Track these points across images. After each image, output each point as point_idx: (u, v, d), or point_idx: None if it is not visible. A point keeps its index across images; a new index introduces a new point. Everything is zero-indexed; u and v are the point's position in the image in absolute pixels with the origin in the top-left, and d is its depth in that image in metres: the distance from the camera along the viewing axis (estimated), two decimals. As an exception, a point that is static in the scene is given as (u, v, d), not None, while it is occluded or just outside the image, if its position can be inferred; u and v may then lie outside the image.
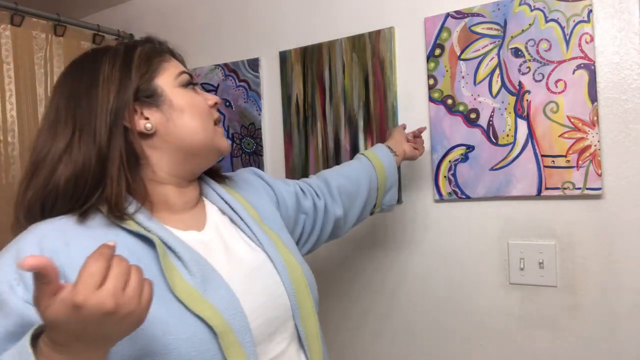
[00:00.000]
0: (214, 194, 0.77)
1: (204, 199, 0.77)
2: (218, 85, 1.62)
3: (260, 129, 1.55)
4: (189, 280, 0.60)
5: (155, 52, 0.71)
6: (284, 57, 1.49)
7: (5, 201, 1.39)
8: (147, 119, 0.66)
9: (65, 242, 0.58)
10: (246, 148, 1.58)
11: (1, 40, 1.40)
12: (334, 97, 1.41)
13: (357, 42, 1.37)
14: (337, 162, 1.40)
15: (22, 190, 0.64)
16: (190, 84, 0.72)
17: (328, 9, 1.43)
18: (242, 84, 1.58)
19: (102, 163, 0.62)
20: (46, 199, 0.63)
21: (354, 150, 1.38)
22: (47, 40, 1.51)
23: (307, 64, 1.45)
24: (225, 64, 1.61)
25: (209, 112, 0.73)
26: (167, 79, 0.69)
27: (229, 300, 0.61)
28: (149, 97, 0.66)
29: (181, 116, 0.68)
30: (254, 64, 1.55)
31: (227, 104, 1.61)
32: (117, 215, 0.62)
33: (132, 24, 1.83)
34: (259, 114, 1.55)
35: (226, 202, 0.77)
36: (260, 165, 1.55)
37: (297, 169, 1.48)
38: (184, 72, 0.72)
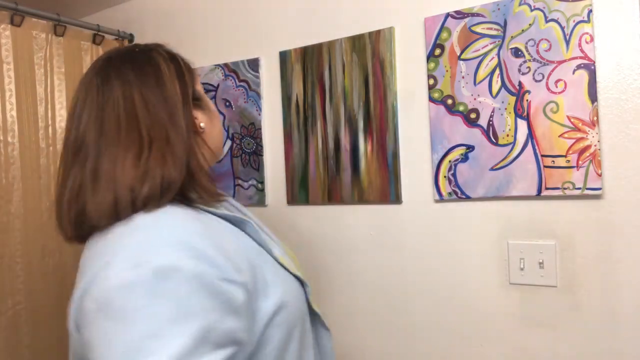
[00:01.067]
0: None
1: None
2: (218, 85, 1.62)
3: (260, 129, 1.55)
4: (277, 251, 0.72)
5: (184, 59, 0.77)
6: (284, 57, 1.49)
7: (6, 201, 1.39)
8: (196, 118, 0.71)
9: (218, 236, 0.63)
10: (246, 148, 1.58)
11: (1, 40, 1.40)
12: (334, 97, 1.41)
13: (357, 42, 1.37)
14: (337, 162, 1.41)
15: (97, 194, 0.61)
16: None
17: (328, 9, 1.43)
18: (242, 84, 1.58)
19: (188, 159, 0.65)
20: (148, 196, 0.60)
21: (354, 150, 1.38)
22: (47, 40, 1.51)
23: (307, 64, 1.45)
24: (225, 64, 1.61)
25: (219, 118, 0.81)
26: (199, 86, 0.76)
27: (296, 265, 0.77)
28: (198, 100, 0.73)
29: (215, 120, 0.76)
30: (254, 64, 1.55)
31: (227, 104, 1.61)
32: (218, 200, 0.69)
33: (132, 24, 1.83)
34: (259, 114, 1.55)
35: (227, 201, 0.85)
36: (260, 165, 1.55)
37: (297, 169, 1.48)
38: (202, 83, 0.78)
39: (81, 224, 0.61)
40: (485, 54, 1.20)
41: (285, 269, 0.71)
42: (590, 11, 1.08)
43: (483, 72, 1.20)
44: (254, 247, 0.69)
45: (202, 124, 0.71)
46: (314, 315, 0.78)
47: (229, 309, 0.56)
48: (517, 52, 1.16)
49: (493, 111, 1.20)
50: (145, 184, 0.59)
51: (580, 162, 1.10)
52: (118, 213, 0.59)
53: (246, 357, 0.60)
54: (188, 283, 0.53)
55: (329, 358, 0.81)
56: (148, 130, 0.62)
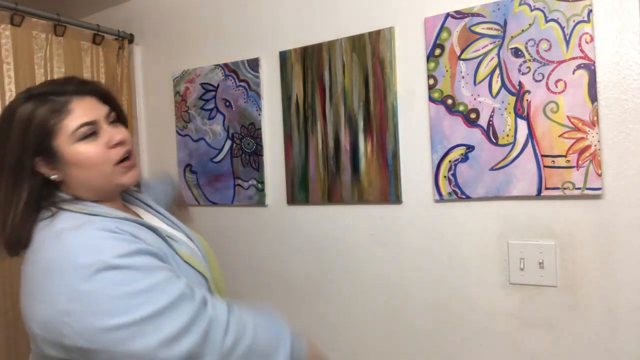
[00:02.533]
0: (137, 201, 0.98)
1: (127, 204, 0.95)
2: (218, 85, 1.62)
3: (260, 129, 1.55)
4: (183, 249, 0.85)
5: (59, 109, 0.78)
6: (284, 57, 1.49)
7: (5, 201, 1.39)
8: (53, 169, 0.79)
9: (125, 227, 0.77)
10: (246, 148, 1.58)
11: (1, 40, 1.40)
12: (334, 97, 1.41)
13: (357, 42, 1.37)
14: (337, 162, 1.41)
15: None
16: (88, 135, 0.80)
17: (328, 9, 1.43)
18: (242, 84, 1.58)
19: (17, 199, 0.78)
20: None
21: (354, 150, 1.38)
22: (47, 40, 1.51)
23: (307, 64, 1.45)
24: (225, 64, 1.61)
25: (105, 158, 0.81)
26: (63, 138, 0.78)
27: (202, 261, 0.91)
28: (50, 157, 0.78)
29: (78, 170, 0.79)
30: (254, 64, 1.55)
31: (227, 104, 1.61)
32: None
33: (132, 24, 1.83)
34: (259, 114, 1.55)
35: (151, 207, 0.98)
36: (260, 165, 1.55)
37: (297, 168, 1.48)
38: (82, 125, 0.79)
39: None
40: (485, 54, 1.20)
41: (189, 265, 0.84)
42: (590, 11, 1.08)
43: (483, 72, 1.20)
44: (163, 244, 0.81)
45: (54, 176, 0.79)
46: None
47: (160, 261, 0.74)
48: (517, 52, 1.16)
49: (493, 111, 1.20)
50: None
51: (580, 162, 1.10)
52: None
53: None
54: (136, 255, 0.71)
55: None
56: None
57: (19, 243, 0.75)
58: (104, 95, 0.84)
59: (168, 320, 0.66)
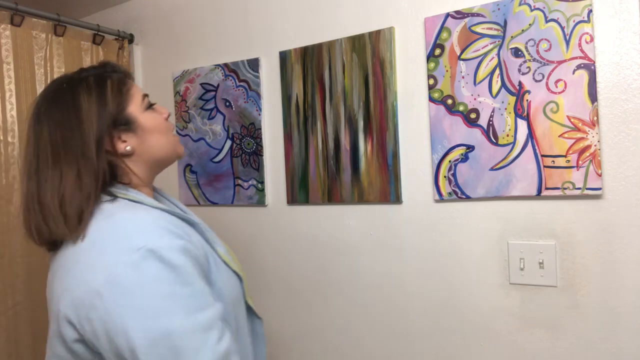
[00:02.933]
0: (163, 199, 0.98)
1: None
2: (218, 85, 1.62)
3: (260, 129, 1.55)
4: (220, 249, 0.85)
5: (121, 82, 0.82)
6: (284, 57, 1.49)
7: (6, 201, 1.39)
8: (125, 142, 0.80)
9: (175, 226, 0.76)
10: (246, 148, 1.58)
11: (1, 40, 1.40)
12: (334, 97, 1.41)
13: (357, 42, 1.37)
14: (337, 162, 1.41)
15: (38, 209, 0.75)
16: (150, 105, 0.85)
17: (328, 9, 1.43)
18: (242, 84, 1.58)
19: (95, 180, 0.75)
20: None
21: (354, 150, 1.38)
22: (47, 40, 1.51)
23: (307, 64, 1.45)
24: (225, 64, 1.61)
25: (168, 126, 0.88)
26: (135, 106, 0.82)
27: (236, 264, 0.89)
28: (125, 125, 0.80)
29: (151, 137, 0.83)
30: (254, 64, 1.55)
31: (227, 104, 1.61)
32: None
33: (132, 24, 1.83)
34: (259, 114, 1.55)
35: (177, 206, 0.98)
36: (260, 165, 1.55)
37: (297, 168, 1.48)
38: (145, 95, 0.85)
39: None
40: (485, 54, 1.20)
41: (227, 265, 0.84)
42: (590, 11, 1.08)
43: (483, 72, 1.20)
44: (203, 243, 0.81)
45: (127, 148, 0.80)
46: (249, 307, 0.91)
47: (203, 274, 0.73)
48: (517, 52, 1.16)
49: (493, 111, 1.20)
50: (63, 207, 0.73)
51: (580, 162, 1.10)
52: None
53: None
54: (184, 255, 0.69)
55: (261, 342, 0.94)
56: (60, 168, 0.75)
57: (76, 228, 0.72)
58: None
59: (197, 341, 0.64)
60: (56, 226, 0.72)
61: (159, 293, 0.64)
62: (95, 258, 0.67)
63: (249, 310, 0.91)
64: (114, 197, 0.76)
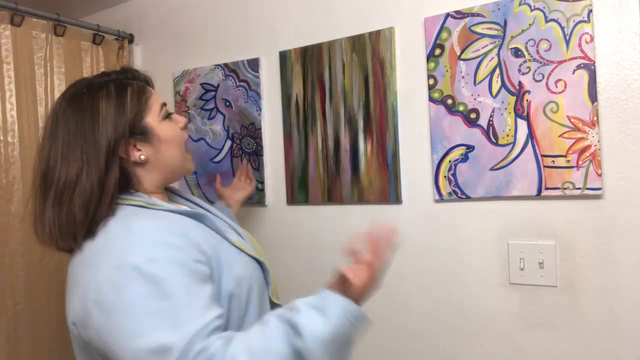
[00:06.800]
0: (177, 197, 0.98)
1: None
2: (218, 85, 1.62)
3: (260, 129, 1.55)
4: (233, 236, 0.86)
5: (142, 90, 0.83)
6: (284, 57, 1.49)
7: (6, 201, 1.39)
8: (139, 150, 0.81)
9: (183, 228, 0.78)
10: (246, 148, 1.58)
11: (1, 40, 1.40)
12: (334, 97, 1.41)
13: (357, 42, 1.37)
14: (337, 162, 1.41)
15: (41, 209, 0.76)
16: (167, 115, 0.87)
17: (328, 9, 1.43)
18: (242, 84, 1.58)
19: (102, 186, 0.76)
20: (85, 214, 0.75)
21: (354, 150, 1.38)
22: (47, 40, 1.51)
23: (307, 64, 1.45)
24: (225, 64, 1.61)
25: (183, 137, 0.89)
26: (153, 116, 0.83)
27: (257, 250, 0.91)
28: (142, 134, 0.81)
29: (167, 147, 0.84)
30: (254, 64, 1.55)
31: (227, 104, 1.61)
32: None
33: (132, 24, 1.83)
34: (259, 114, 1.55)
35: (191, 201, 0.99)
36: (260, 165, 1.55)
37: (297, 169, 1.48)
38: (163, 104, 0.86)
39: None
40: (485, 54, 1.20)
41: (242, 251, 0.85)
42: (590, 11, 1.08)
43: (483, 72, 1.20)
44: (212, 235, 0.82)
45: (142, 157, 0.81)
46: (274, 305, 0.91)
47: (204, 280, 0.72)
48: (517, 52, 1.16)
49: (493, 111, 1.20)
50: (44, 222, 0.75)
51: (580, 162, 1.10)
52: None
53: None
54: (170, 266, 0.68)
55: None
56: (71, 172, 0.75)
57: (90, 231, 0.73)
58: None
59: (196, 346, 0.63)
60: (61, 238, 0.74)
61: (142, 311, 0.65)
62: (90, 276, 0.69)
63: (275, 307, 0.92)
64: (118, 204, 0.77)
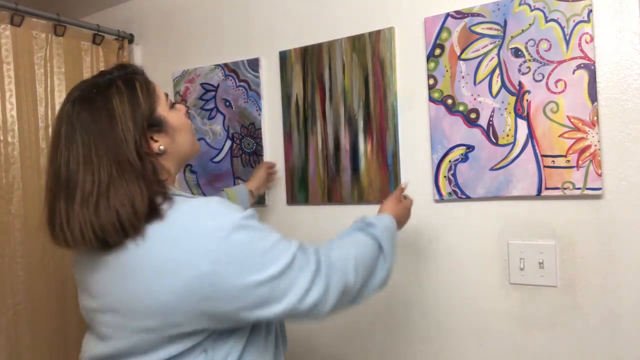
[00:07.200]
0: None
1: None
2: (218, 85, 1.62)
3: (260, 129, 1.55)
4: None
5: (147, 82, 0.83)
6: (284, 57, 1.49)
7: (6, 201, 1.39)
8: (157, 141, 0.81)
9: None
10: (246, 148, 1.58)
11: (1, 40, 1.40)
12: (334, 97, 1.41)
13: (357, 42, 1.37)
14: (337, 162, 1.41)
15: (66, 216, 0.73)
16: (173, 104, 0.87)
17: (328, 9, 1.43)
18: (242, 84, 1.58)
19: (145, 181, 0.75)
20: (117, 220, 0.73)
21: (354, 150, 1.38)
22: (47, 40, 1.51)
23: (307, 64, 1.45)
24: (225, 64, 1.61)
25: (190, 123, 0.91)
26: (163, 106, 0.83)
27: None
28: (157, 125, 0.81)
29: (179, 135, 0.85)
30: (254, 64, 1.55)
31: (227, 104, 1.61)
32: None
33: (132, 24, 1.83)
34: (259, 114, 1.55)
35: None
36: (260, 165, 1.55)
37: (297, 168, 1.48)
38: (166, 94, 0.86)
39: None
40: (485, 54, 1.20)
41: None
42: (590, 11, 1.08)
43: (483, 72, 1.20)
44: None
45: (161, 147, 0.81)
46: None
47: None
48: (517, 52, 1.16)
49: (493, 111, 1.19)
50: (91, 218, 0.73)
51: (580, 162, 1.10)
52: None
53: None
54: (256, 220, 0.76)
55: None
56: (99, 172, 0.73)
57: (134, 228, 0.72)
58: None
59: (299, 269, 0.74)
60: (98, 237, 0.71)
61: (258, 250, 0.71)
62: (188, 251, 0.69)
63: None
64: (166, 194, 0.76)
